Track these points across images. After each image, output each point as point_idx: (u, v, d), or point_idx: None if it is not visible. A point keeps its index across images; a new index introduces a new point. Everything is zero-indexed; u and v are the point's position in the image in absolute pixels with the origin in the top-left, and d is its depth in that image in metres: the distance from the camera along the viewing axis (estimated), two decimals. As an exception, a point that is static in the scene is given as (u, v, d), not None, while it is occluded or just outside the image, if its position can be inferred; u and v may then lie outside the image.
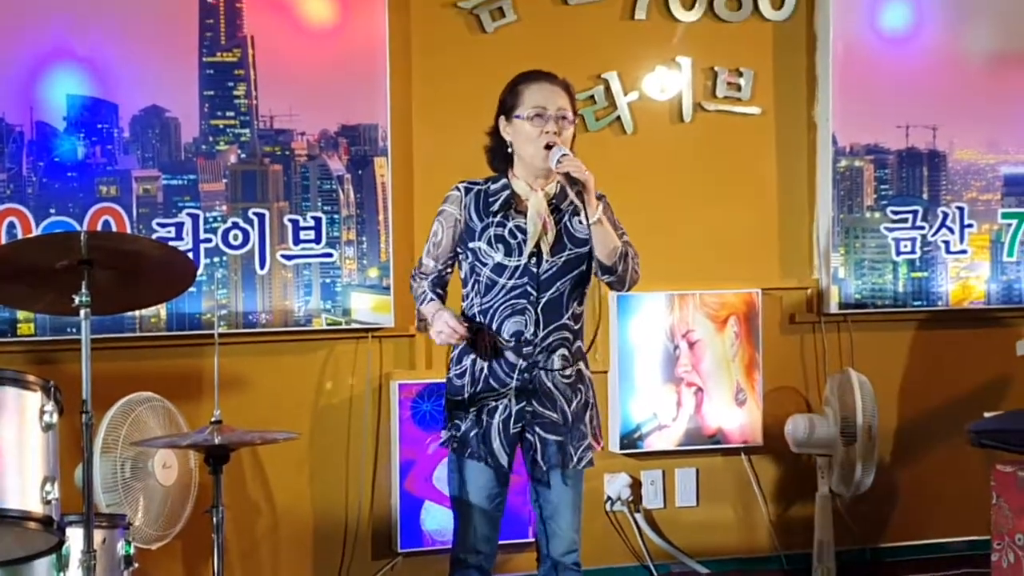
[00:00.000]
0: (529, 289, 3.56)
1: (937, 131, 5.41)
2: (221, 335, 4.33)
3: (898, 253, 5.40)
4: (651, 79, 5.17)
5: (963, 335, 5.54)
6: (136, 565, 3.68)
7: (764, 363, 5.26)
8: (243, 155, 4.74)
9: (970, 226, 5.47)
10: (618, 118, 5.15)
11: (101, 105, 4.60)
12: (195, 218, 4.69)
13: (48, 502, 3.07)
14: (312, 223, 4.82)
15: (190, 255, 4.54)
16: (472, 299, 3.63)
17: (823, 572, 4.97)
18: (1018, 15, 5.46)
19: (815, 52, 5.33)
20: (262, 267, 4.77)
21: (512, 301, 3.57)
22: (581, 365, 3.65)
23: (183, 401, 4.48)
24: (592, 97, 5.10)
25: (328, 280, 4.84)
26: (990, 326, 5.56)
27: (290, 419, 4.74)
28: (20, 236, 4.47)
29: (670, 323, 5.16)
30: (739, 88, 5.26)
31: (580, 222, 3.55)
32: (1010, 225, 5.52)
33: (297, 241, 4.80)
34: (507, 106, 3.61)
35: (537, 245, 3.55)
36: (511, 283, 3.57)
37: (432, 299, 3.65)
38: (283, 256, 4.79)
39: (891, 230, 5.39)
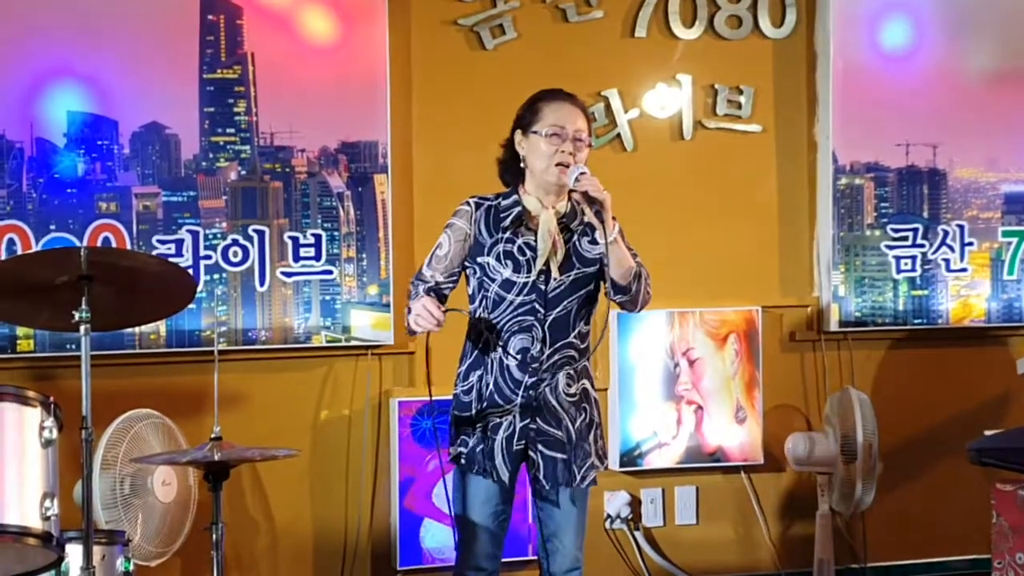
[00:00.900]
0: (536, 306, 3.56)
1: (937, 149, 5.42)
2: (221, 352, 4.33)
3: (898, 271, 5.40)
4: (651, 96, 5.18)
5: (963, 353, 5.53)
6: (135, 582, 3.67)
7: (764, 381, 5.25)
8: (243, 172, 4.75)
9: (970, 244, 5.47)
10: (618, 135, 5.15)
11: (101, 122, 4.60)
12: (195, 235, 4.69)
13: (47, 518, 3.06)
14: (312, 240, 4.81)
15: (190, 272, 4.53)
16: (480, 314, 3.62)
17: (824, 591, 4.96)
18: (1018, 33, 5.48)
19: (815, 70, 5.34)
20: (262, 284, 4.76)
21: (519, 318, 3.56)
22: (587, 383, 3.64)
23: (183, 418, 4.47)
24: (592, 114, 5.08)
25: (328, 297, 4.83)
26: (990, 344, 5.56)
27: (290, 436, 4.73)
28: (20, 252, 4.47)
29: (670, 341, 5.16)
30: (739, 106, 5.27)
31: (589, 242, 3.56)
32: (1010, 243, 5.52)
33: (297, 258, 4.80)
34: (524, 121, 3.61)
35: (546, 263, 3.55)
36: (519, 300, 3.56)
37: (422, 295, 3.60)
38: (283, 273, 4.79)
39: (891, 248, 5.39)
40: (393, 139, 4.87)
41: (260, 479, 4.84)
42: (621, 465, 5.11)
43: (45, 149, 4.55)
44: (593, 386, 3.67)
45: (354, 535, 4.91)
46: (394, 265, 4.87)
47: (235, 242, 4.74)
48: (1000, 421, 5.39)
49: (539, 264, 3.54)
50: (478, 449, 3.58)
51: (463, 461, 3.60)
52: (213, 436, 3.63)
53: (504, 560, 3.81)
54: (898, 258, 5.40)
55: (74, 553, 3.31)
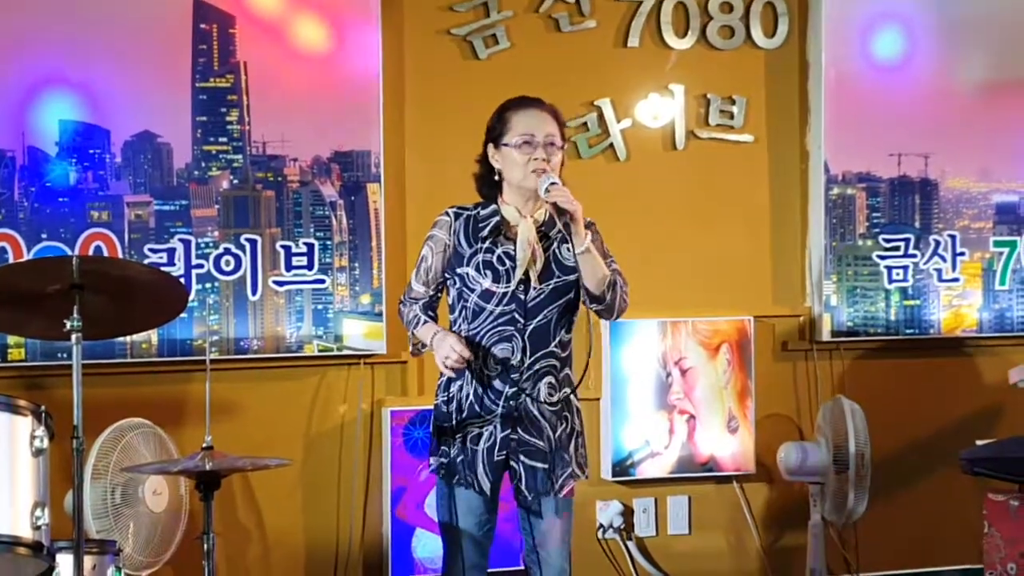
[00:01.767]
0: (516, 316, 3.55)
1: (929, 159, 5.43)
2: (212, 361, 4.32)
3: (890, 281, 5.41)
4: (644, 106, 5.19)
5: (955, 363, 5.54)
6: (126, 592, 3.66)
7: (756, 390, 5.25)
8: (235, 181, 4.74)
9: (962, 254, 5.48)
10: (611, 145, 5.16)
11: (93, 130, 4.60)
12: (187, 244, 4.69)
13: (38, 527, 3.05)
14: (304, 249, 4.81)
15: (182, 281, 4.52)
16: (459, 325, 3.61)
17: (816, 601, 4.96)
18: (1010, 45, 5.49)
19: (807, 80, 5.35)
20: (254, 293, 4.76)
21: (499, 328, 3.56)
22: (568, 392, 3.63)
23: (174, 427, 4.47)
24: (585, 124, 5.11)
25: (320, 306, 4.83)
26: (982, 354, 5.56)
27: (282, 446, 4.72)
28: (11, 261, 4.46)
29: (662, 350, 5.16)
30: (732, 116, 5.27)
31: (568, 250, 3.54)
32: (1002, 253, 5.53)
33: (289, 267, 4.80)
34: (495, 133, 3.61)
35: (525, 272, 3.54)
36: (499, 310, 3.55)
37: (427, 321, 3.63)
38: (275, 282, 4.78)
39: (883, 258, 5.40)
40: (386, 148, 4.87)
41: (252, 489, 4.83)
42: (614, 475, 5.11)
43: (37, 158, 4.55)
44: (575, 394, 3.66)
45: (346, 544, 4.90)
46: (387, 274, 4.86)
47: (227, 251, 4.73)
48: (992, 431, 5.40)
49: (518, 274, 3.53)
50: (459, 459, 3.57)
51: (443, 472, 3.60)
52: (204, 445, 3.62)
53: (493, 571, 3.81)
54: (890, 268, 5.41)
55: (65, 563, 3.30)
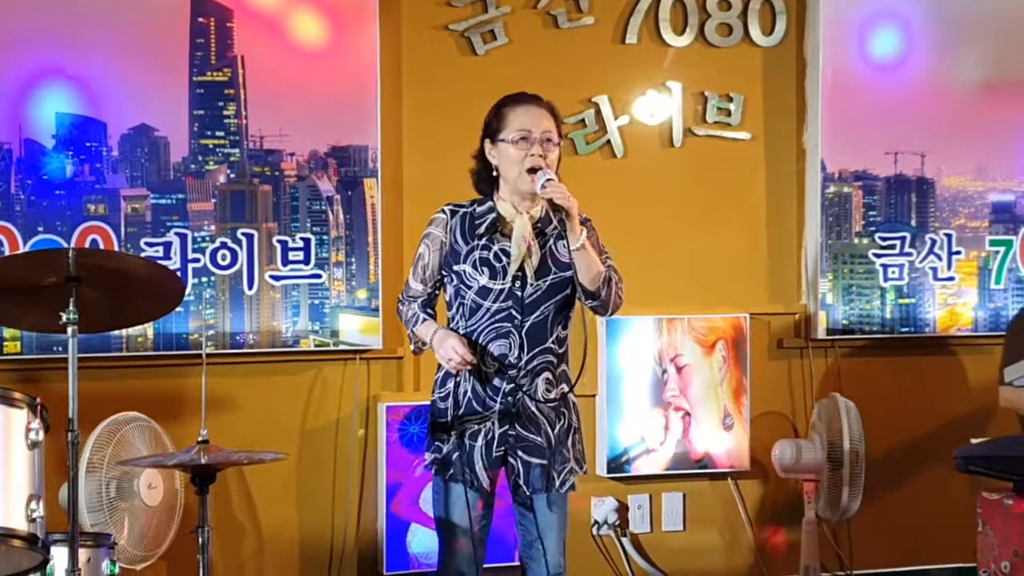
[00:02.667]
0: (513, 313, 3.55)
1: (926, 158, 5.43)
2: (208, 355, 4.32)
3: (886, 279, 5.41)
4: (641, 103, 5.19)
5: (950, 361, 5.55)
6: (120, 585, 3.67)
7: (752, 388, 5.26)
8: (232, 175, 4.74)
9: (958, 253, 5.49)
10: (608, 142, 5.16)
11: (90, 123, 4.59)
12: (183, 237, 4.68)
13: (33, 520, 3.06)
14: (301, 244, 4.81)
15: (178, 274, 4.52)
16: (457, 322, 3.62)
17: (810, 598, 4.97)
18: (1007, 43, 5.50)
19: (804, 78, 5.36)
20: (250, 287, 4.76)
21: (496, 324, 3.56)
22: (565, 388, 3.64)
23: (169, 421, 4.47)
24: (583, 121, 5.11)
25: (316, 301, 4.83)
26: (977, 353, 5.57)
27: (277, 440, 4.72)
28: (7, 253, 4.46)
29: (658, 347, 5.16)
30: (729, 113, 5.28)
31: (565, 246, 3.53)
32: (998, 252, 5.54)
33: (286, 262, 4.80)
34: (492, 129, 3.61)
35: (521, 268, 3.54)
36: (495, 306, 3.56)
37: (426, 319, 3.64)
38: (271, 277, 4.78)
39: (879, 256, 5.40)
40: (383, 143, 4.87)
41: (247, 483, 4.83)
42: (609, 471, 5.11)
43: (33, 150, 4.54)
44: (572, 390, 3.66)
45: (341, 539, 4.90)
46: (383, 269, 4.87)
47: (223, 245, 4.73)
48: (986, 429, 5.41)
49: (512, 270, 3.53)
50: (454, 456, 3.57)
51: (437, 467, 3.60)
52: (200, 439, 3.62)
53: (489, 566, 3.82)
54: (886, 266, 5.41)
55: (59, 555, 3.30)
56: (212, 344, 4.67)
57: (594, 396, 5.10)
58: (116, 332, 4.54)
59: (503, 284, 3.55)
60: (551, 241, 3.58)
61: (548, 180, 3.46)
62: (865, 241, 5.40)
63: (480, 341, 3.56)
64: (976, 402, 5.53)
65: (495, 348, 3.55)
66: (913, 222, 5.44)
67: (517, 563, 3.73)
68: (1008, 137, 5.53)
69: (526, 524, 3.64)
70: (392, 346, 4.89)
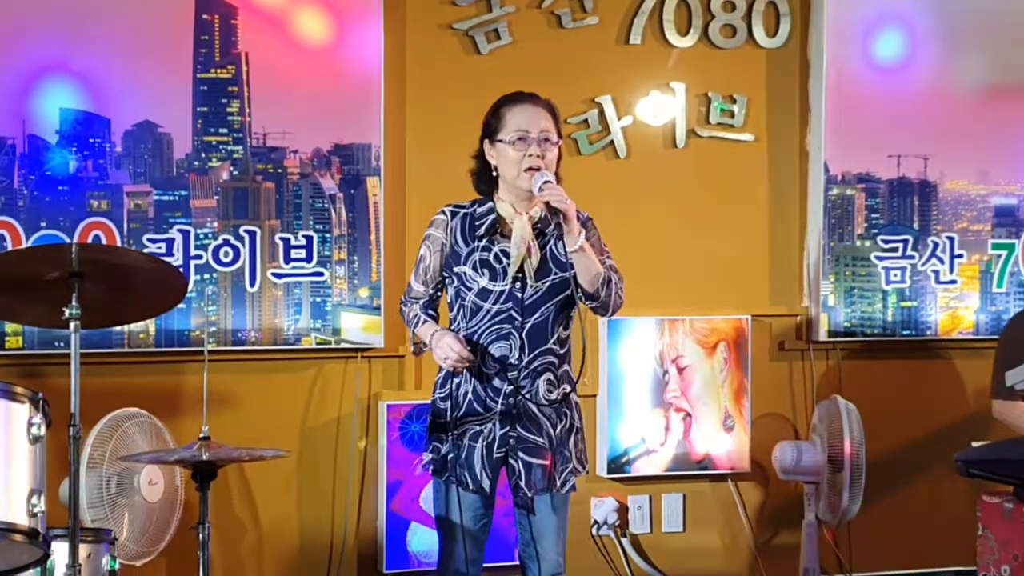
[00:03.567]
0: (514, 314, 3.55)
1: (928, 161, 5.43)
2: (210, 352, 4.32)
3: (888, 282, 5.41)
4: (645, 104, 5.19)
5: (951, 365, 5.55)
6: (120, 581, 3.67)
7: (753, 389, 5.26)
8: (235, 172, 4.74)
9: (960, 256, 5.49)
10: (611, 142, 5.16)
11: (94, 119, 4.59)
12: (186, 234, 4.69)
13: (34, 515, 3.06)
14: (303, 242, 4.81)
15: (180, 271, 4.52)
16: (458, 323, 3.61)
17: (809, 600, 4.97)
18: (1010, 47, 5.50)
19: (808, 80, 5.36)
20: (252, 285, 4.76)
21: (497, 326, 3.56)
22: (567, 388, 3.63)
23: (170, 418, 4.47)
24: (586, 121, 5.11)
25: (318, 299, 4.83)
26: (979, 357, 5.56)
27: (278, 438, 4.72)
28: (10, 248, 4.46)
29: (660, 348, 5.16)
30: (732, 115, 5.28)
31: (565, 246, 3.54)
32: (1000, 256, 5.54)
33: (288, 259, 4.80)
34: (490, 129, 3.61)
35: (521, 270, 3.54)
36: (496, 308, 3.55)
37: (427, 320, 3.64)
38: (273, 274, 4.78)
39: (881, 259, 5.40)
40: (386, 142, 4.87)
41: (247, 480, 4.83)
42: (609, 472, 5.11)
43: (37, 146, 4.54)
44: (575, 390, 3.66)
45: (341, 537, 4.90)
46: (385, 268, 4.87)
47: (226, 242, 4.73)
48: (987, 433, 5.40)
49: (512, 271, 3.53)
50: (451, 456, 3.56)
51: (435, 468, 3.60)
52: (201, 436, 3.62)
53: (489, 565, 3.82)
54: (887, 269, 5.41)
55: (60, 551, 3.30)
56: (214, 341, 4.67)
57: (595, 396, 5.10)
58: (118, 328, 4.54)
59: (503, 286, 3.54)
60: (551, 242, 3.58)
61: (546, 182, 3.45)
62: (867, 244, 5.40)
63: (481, 342, 3.55)
64: (977, 405, 5.52)
65: (496, 349, 3.55)
66: (915, 225, 5.44)
67: (517, 562, 3.73)
68: (1011, 141, 5.53)
69: (526, 524, 3.64)
70: (394, 345, 4.89)
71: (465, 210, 3.63)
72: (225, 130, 4.73)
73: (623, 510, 5.20)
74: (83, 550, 3.47)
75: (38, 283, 3.23)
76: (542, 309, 3.56)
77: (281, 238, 4.79)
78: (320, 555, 4.89)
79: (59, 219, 4.55)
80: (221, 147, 4.72)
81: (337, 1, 4.80)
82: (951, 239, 5.47)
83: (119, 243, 4.58)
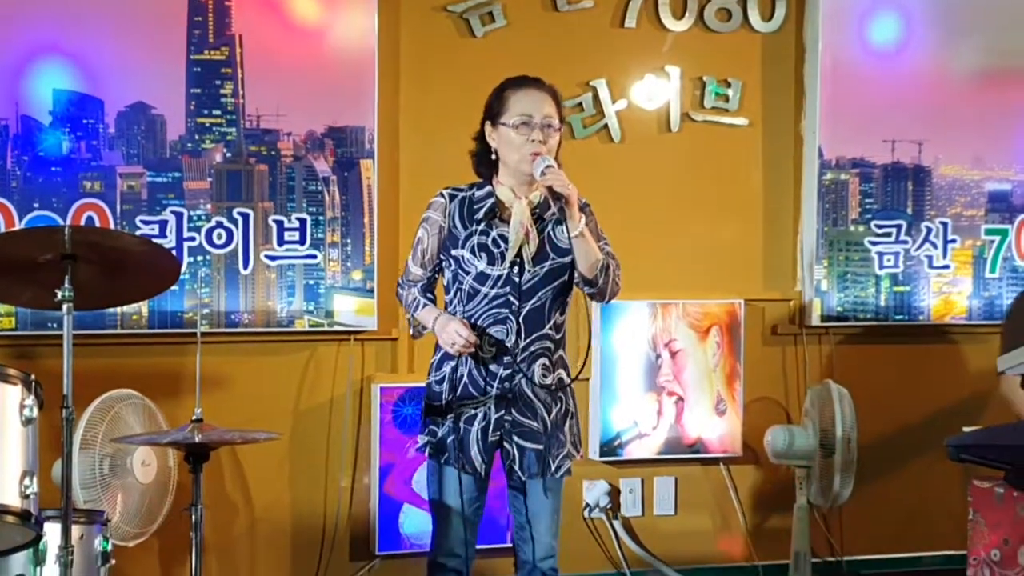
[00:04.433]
0: (511, 299, 3.55)
1: (923, 146, 5.43)
2: (203, 334, 4.32)
3: (881, 267, 5.42)
4: (639, 87, 5.18)
5: (944, 350, 5.56)
6: (113, 562, 3.67)
7: (745, 374, 5.27)
8: (229, 154, 4.73)
9: (953, 241, 5.49)
10: (606, 126, 5.15)
11: (87, 100, 4.58)
12: (179, 216, 4.68)
13: (26, 496, 3.06)
14: (297, 224, 4.81)
15: (173, 253, 4.52)
16: (455, 307, 3.61)
17: (800, 583, 4.99)
18: (1006, 33, 5.49)
19: (803, 64, 5.35)
20: (245, 267, 4.76)
21: (494, 310, 3.56)
22: (563, 373, 3.64)
23: (163, 399, 4.47)
24: (580, 104, 5.11)
25: (312, 281, 4.83)
26: (971, 342, 5.58)
27: (271, 420, 4.72)
28: (3, 230, 4.45)
29: (653, 332, 5.17)
30: (727, 99, 5.27)
31: (563, 231, 3.53)
32: (993, 241, 5.54)
33: (281, 242, 4.79)
34: (493, 112, 3.60)
35: (519, 254, 3.54)
36: (493, 292, 3.55)
37: (427, 304, 3.64)
38: (267, 256, 4.78)
39: (875, 244, 5.41)
40: (380, 124, 4.86)
41: (240, 462, 4.84)
42: (601, 455, 5.12)
43: (30, 127, 4.53)
44: (569, 375, 3.66)
45: (333, 520, 4.91)
46: (379, 251, 4.87)
47: (219, 224, 4.73)
48: (979, 418, 5.41)
49: (510, 255, 3.53)
50: (449, 439, 3.57)
51: (431, 451, 3.60)
52: (194, 418, 3.63)
53: (481, 548, 3.82)
54: (881, 254, 5.42)
55: (52, 532, 3.30)
56: (207, 323, 4.67)
57: (587, 380, 5.11)
58: (111, 309, 4.54)
59: (501, 270, 3.54)
60: (549, 227, 3.58)
61: (548, 167, 3.45)
62: (861, 229, 5.40)
63: (478, 326, 3.55)
64: (969, 390, 5.54)
65: (493, 333, 3.55)
66: (909, 210, 5.45)
67: (510, 545, 3.74)
68: (1006, 126, 5.53)
69: (520, 507, 3.65)
70: (387, 327, 4.89)
71: (463, 193, 3.63)
72: (219, 112, 4.72)
73: (615, 493, 5.22)
74: (75, 531, 3.47)
75: (31, 265, 3.23)
76: (539, 294, 3.57)
77: (274, 220, 4.78)
78: (313, 537, 4.90)
79: (52, 200, 4.54)
80: (215, 129, 4.72)
81: (331, -17, 4.79)
82: (945, 224, 5.48)
83: (112, 224, 4.57)
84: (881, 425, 5.40)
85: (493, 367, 3.55)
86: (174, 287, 4.28)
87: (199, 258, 4.70)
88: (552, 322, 3.59)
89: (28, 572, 3.44)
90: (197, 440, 3.55)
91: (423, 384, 3.75)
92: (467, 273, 3.56)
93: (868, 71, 5.36)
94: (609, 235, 3.72)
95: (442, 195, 3.64)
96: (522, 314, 3.55)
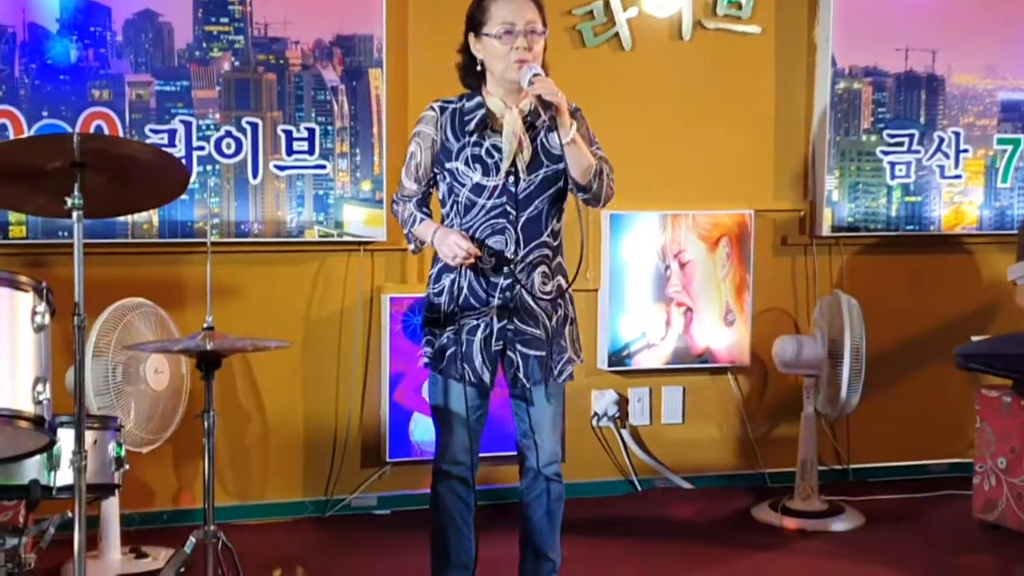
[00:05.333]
0: (508, 208, 3.54)
1: (936, 55, 5.38)
2: (213, 244, 4.32)
3: (892, 177, 5.40)
4: (651, -5, 5.13)
5: (954, 260, 5.56)
6: (127, 467, 3.71)
7: (755, 284, 5.27)
8: (237, 63, 4.71)
9: (965, 151, 5.46)
10: (616, 35, 5.11)
11: (94, 8, 4.55)
12: (188, 125, 4.67)
13: (39, 402, 3.08)
14: (305, 134, 4.79)
15: (183, 162, 4.51)
16: (452, 219, 3.59)
17: (805, 490, 5.02)
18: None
19: (816, -29, 5.29)
20: (255, 177, 4.75)
21: (492, 221, 3.55)
22: (561, 280, 3.64)
23: (174, 308, 4.49)
24: (591, 12, 5.06)
25: (321, 192, 4.83)
26: (981, 252, 5.58)
27: (281, 329, 4.76)
28: (12, 137, 4.45)
29: (662, 243, 5.17)
30: (740, 6, 5.22)
31: (556, 138, 3.49)
32: (1005, 151, 5.51)
33: (290, 152, 4.78)
34: (476, 22, 3.54)
35: (514, 163, 3.52)
36: (490, 203, 3.54)
37: (423, 219, 3.62)
38: (276, 166, 4.78)
39: (887, 154, 5.38)
40: (388, 33, 4.83)
41: (252, 371, 4.88)
42: (609, 364, 5.15)
43: (37, 34, 4.51)
44: (567, 281, 3.66)
45: (344, 427, 4.96)
46: (387, 161, 4.85)
47: (228, 134, 4.72)
48: (988, 328, 5.44)
49: (505, 166, 3.51)
50: (451, 351, 3.58)
51: (431, 362, 3.61)
52: (205, 326, 3.64)
53: (488, 455, 3.86)
54: (893, 164, 5.39)
55: (66, 437, 3.33)
56: (217, 232, 4.68)
57: (596, 291, 5.12)
58: (121, 219, 4.55)
59: (497, 180, 3.53)
60: (541, 134, 3.55)
61: (535, 75, 3.41)
62: (873, 138, 5.37)
63: (476, 237, 3.55)
64: (978, 301, 5.55)
65: (491, 244, 3.55)
66: (922, 119, 5.41)
67: (515, 453, 3.77)
68: (1020, 36, 5.47)
69: (523, 415, 3.68)
70: (396, 238, 4.88)
71: (454, 105, 3.59)
72: (226, 20, 4.68)
73: (623, 402, 5.25)
74: (89, 436, 3.51)
75: (40, 173, 3.22)
76: (536, 202, 3.55)
77: (283, 130, 4.77)
78: (324, 444, 4.96)
79: (60, 108, 4.53)
80: (222, 37, 4.69)
81: None
82: (957, 134, 5.44)
83: (121, 133, 4.57)
84: (890, 335, 5.42)
85: (493, 277, 3.56)
86: (184, 196, 4.28)
87: (208, 167, 4.70)
88: (549, 229, 3.59)
89: (42, 477, 3.48)
90: (208, 348, 3.57)
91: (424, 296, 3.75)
92: (462, 185, 3.55)
93: (882, -22, 5.29)
94: (618, 145, 3.69)
95: (432, 108, 3.61)
96: (520, 223, 3.54)
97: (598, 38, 5.09)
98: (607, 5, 5.08)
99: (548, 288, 3.59)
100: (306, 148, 4.80)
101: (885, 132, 5.37)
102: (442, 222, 3.62)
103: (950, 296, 5.53)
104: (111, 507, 4.32)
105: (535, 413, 3.65)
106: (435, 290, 3.62)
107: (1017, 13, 5.45)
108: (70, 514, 3.21)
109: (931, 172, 5.44)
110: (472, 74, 3.57)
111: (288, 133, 4.78)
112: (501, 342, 3.58)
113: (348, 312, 4.94)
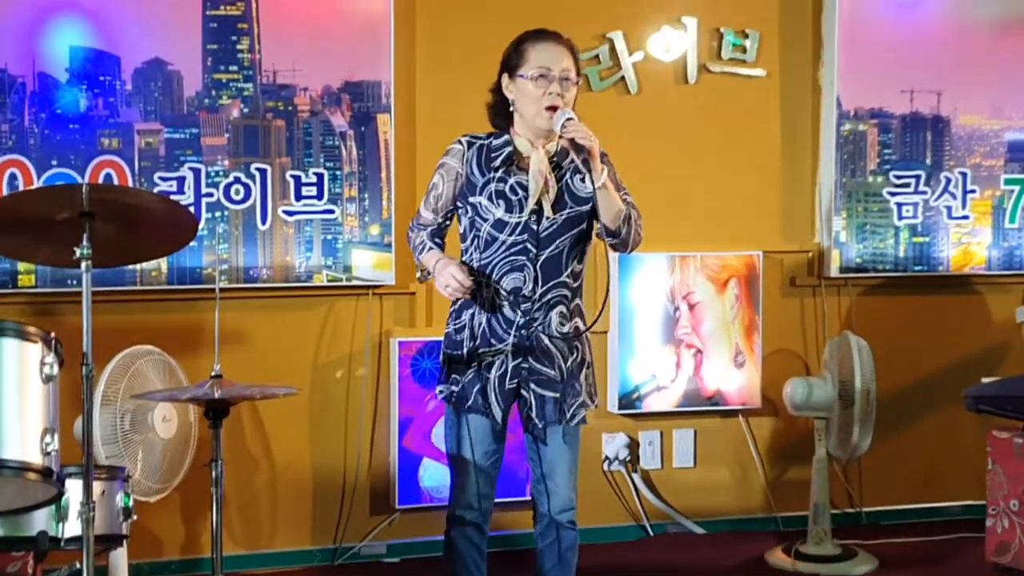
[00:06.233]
0: (529, 246, 3.55)
1: (942, 96, 5.39)
2: (222, 290, 4.33)
3: (900, 218, 5.40)
4: (656, 39, 5.15)
5: (963, 301, 5.55)
6: (135, 517, 3.70)
7: (764, 326, 5.26)
8: (246, 110, 4.73)
9: (972, 192, 5.46)
10: (622, 78, 5.13)
11: (104, 57, 4.58)
12: (197, 172, 4.69)
13: (48, 453, 3.07)
14: (314, 179, 4.81)
15: (191, 209, 4.53)
16: (471, 254, 3.62)
17: (818, 534, 4.99)
18: (1025, -19, 5.44)
19: (821, 14, 5.31)
20: (263, 222, 4.77)
21: (512, 257, 3.56)
22: (579, 322, 3.65)
23: (183, 355, 4.49)
24: (597, 56, 5.08)
25: (329, 236, 4.83)
26: (990, 292, 5.56)
27: (290, 375, 4.75)
28: (22, 187, 4.47)
29: (671, 284, 5.16)
30: (744, 50, 5.24)
31: (581, 180, 3.54)
32: (1012, 191, 5.51)
33: (299, 197, 4.80)
34: (511, 64, 3.59)
35: (538, 202, 3.55)
36: (511, 239, 3.56)
37: (432, 248, 3.64)
38: (285, 212, 4.79)
39: (893, 194, 5.38)
40: (397, 78, 4.85)
41: (260, 417, 4.87)
42: (620, 408, 5.14)
43: (47, 84, 4.54)
44: (585, 324, 3.67)
45: (353, 474, 4.95)
46: (396, 205, 4.86)
47: (237, 180, 4.73)
48: (998, 369, 5.41)
49: (530, 204, 3.53)
50: (474, 388, 3.58)
51: (454, 400, 3.62)
52: (213, 374, 3.64)
53: (501, 501, 3.84)
54: (900, 204, 5.39)
55: (74, 488, 3.33)
56: (226, 279, 4.69)
57: (606, 333, 5.11)
58: (130, 267, 4.56)
59: (519, 217, 3.54)
60: (567, 175, 3.58)
61: (568, 120, 3.44)
62: (879, 179, 5.38)
63: (495, 274, 3.56)
64: (988, 341, 5.53)
65: (510, 281, 3.55)
66: (928, 160, 5.42)
67: (528, 498, 3.75)
68: (1025, 75, 5.49)
69: (537, 459, 3.67)
70: (404, 282, 4.90)
71: (481, 141, 3.63)
72: (235, 67, 4.71)
73: (634, 446, 5.23)
74: (97, 487, 3.50)
75: (49, 223, 3.23)
76: (557, 242, 3.57)
77: (292, 176, 4.78)
78: (333, 491, 4.94)
79: (70, 157, 4.55)
80: (231, 85, 4.71)
81: (346, -64, 4.77)
82: (964, 174, 5.45)
83: (130, 181, 4.58)
84: (900, 376, 5.40)
85: (510, 315, 3.56)
86: (192, 243, 4.29)
87: (217, 214, 4.71)
88: (570, 270, 3.60)
89: (51, 528, 3.47)
90: (217, 396, 3.56)
91: (441, 338, 3.76)
92: (484, 220, 3.57)
93: (886, 20, 5.31)
94: (627, 187, 3.70)
95: (460, 142, 3.64)
96: (539, 262, 3.55)
97: (604, 82, 5.11)
98: (613, 49, 5.10)
99: (565, 329, 3.60)
100: (315, 193, 4.81)
101: (891, 173, 5.38)
102: (462, 257, 3.63)
103: (959, 337, 5.52)
104: (119, 558, 4.28)
105: (549, 455, 3.63)
106: (456, 326, 3.63)
107: (1021, 53, 5.46)
108: (79, 565, 3.20)
109: (938, 213, 5.44)
110: (501, 114, 3.61)
111: (297, 179, 4.79)
112: (515, 380, 3.58)
113: (357, 356, 4.94)
